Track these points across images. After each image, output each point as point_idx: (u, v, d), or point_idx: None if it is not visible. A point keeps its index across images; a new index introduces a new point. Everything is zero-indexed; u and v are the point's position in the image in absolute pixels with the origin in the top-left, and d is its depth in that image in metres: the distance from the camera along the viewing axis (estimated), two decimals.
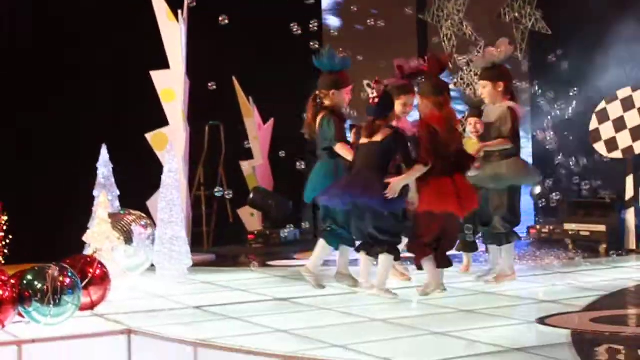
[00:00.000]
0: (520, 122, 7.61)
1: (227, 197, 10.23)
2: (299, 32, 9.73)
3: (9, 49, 10.19)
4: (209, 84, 10.02)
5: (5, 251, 7.42)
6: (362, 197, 6.76)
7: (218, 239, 11.75)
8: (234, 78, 11.77)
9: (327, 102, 7.41)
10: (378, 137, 6.79)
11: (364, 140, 6.87)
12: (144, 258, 8.22)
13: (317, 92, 7.47)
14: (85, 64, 10.52)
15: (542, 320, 5.83)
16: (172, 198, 7.99)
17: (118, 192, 8.68)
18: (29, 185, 9.99)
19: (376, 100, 6.85)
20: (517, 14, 10.53)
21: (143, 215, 8.50)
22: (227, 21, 9.95)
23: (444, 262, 6.95)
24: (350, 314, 6.35)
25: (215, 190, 9.82)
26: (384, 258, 6.86)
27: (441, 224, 6.85)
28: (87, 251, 7.84)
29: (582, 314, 6.09)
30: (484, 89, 7.51)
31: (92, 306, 6.43)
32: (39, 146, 10.34)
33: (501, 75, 7.47)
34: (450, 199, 6.78)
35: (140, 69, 9.87)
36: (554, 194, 9.68)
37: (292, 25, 9.74)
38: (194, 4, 9.77)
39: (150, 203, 9.44)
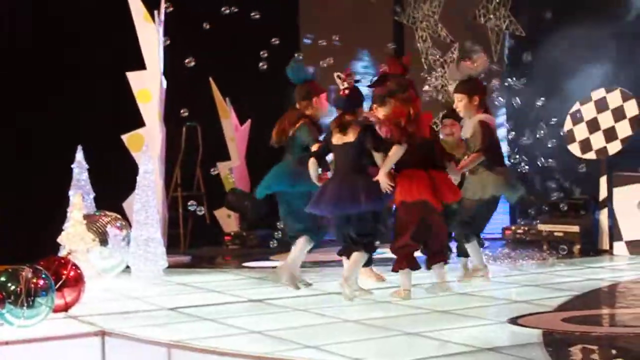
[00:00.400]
0: (494, 132, 7.58)
1: (198, 213, 10.26)
2: (277, 42, 9.74)
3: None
4: (186, 60, 9.91)
5: None
6: (351, 208, 6.78)
7: (195, 240, 11.77)
8: (210, 79, 11.78)
9: (307, 112, 7.53)
10: (350, 137, 6.81)
11: (337, 140, 6.87)
12: (119, 259, 8.23)
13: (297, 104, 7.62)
14: (61, 63, 10.51)
15: (513, 320, 5.87)
16: (147, 199, 8.00)
17: (93, 194, 8.70)
18: (3, 186, 9.98)
19: (346, 92, 6.87)
20: (491, 16, 10.59)
21: (118, 216, 8.51)
22: (208, 26, 9.95)
23: (412, 264, 6.96)
24: (324, 315, 6.37)
25: (189, 204, 9.86)
26: (358, 254, 6.89)
27: (418, 214, 6.82)
28: (62, 253, 7.84)
29: (553, 313, 6.14)
30: (460, 102, 7.48)
31: (66, 308, 6.43)
32: (11, 147, 10.32)
33: (477, 88, 7.48)
34: (423, 188, 6.77)
35: (115, 69, 9.88)
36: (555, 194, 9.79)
37: (272, 40, 9.76)
38: (171, 8, 9.77)
39: (126, 204, 9.44)
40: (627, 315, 6.26)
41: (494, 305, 6.62)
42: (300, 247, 7.47)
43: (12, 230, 9.50)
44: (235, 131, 11.99)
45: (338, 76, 6.98)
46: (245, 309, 6.75)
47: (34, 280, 5.90)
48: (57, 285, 6.23)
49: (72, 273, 6.46)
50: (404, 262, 6.87)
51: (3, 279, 5.89)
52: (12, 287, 5.84)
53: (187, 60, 9.65)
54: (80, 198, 7.62)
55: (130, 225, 8.34)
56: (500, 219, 10.41)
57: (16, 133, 10.25)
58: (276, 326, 5.97)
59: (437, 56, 10.96)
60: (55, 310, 6.20)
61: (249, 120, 12.05)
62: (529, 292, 7.15)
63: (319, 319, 6.24)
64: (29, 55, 10.35)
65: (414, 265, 6.90)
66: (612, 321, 6.34)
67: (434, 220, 6.94)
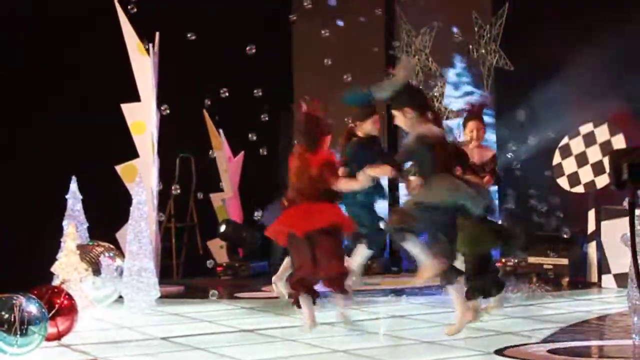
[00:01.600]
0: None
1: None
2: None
3: None
4: (162, 108, 10.06)
5: None
6: None
7: (188, 271, 11.85)
8: (204, 111, 11.90)
9: (358, 133, 7.84)
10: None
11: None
12: (112, 289, 8.30)
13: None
14: (54, 94, 10.62)
15: (500, 352, 5.94)
16: (140, 230, 8.10)
17: (87, 224, 8.79)
18: None
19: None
20: (483, 50, 10.75)
21: (111, 246, 8.59)
22: (194, 37, 10.09)
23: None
24: (314, 345, 6.44)
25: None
26: None
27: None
28: (55, 282, 7.90)
29: (540, 345, 6.22)
30: (398, 120, 6.78)
31: (58, 336, 6.50)
32: (8, 175, 10.39)
33: (407, 100, 6.71)
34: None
35: (110, 100, 9.98)
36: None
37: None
38: (135, 10, 9.85)
39: (119, 235, 9.52)
40: (612, 348, 6.34)
41: (481, 337, 6.68)
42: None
43: (5, 259, 9.55)
44: (228, 162, 12.09)
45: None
46: (237, 339, 6.83)
47: (27, 309, 5.97)
48: (51, 314, 6.30)
49: (65, 302, 6.53)
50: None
51: None
52: (6, 316, 5.92)
53: (162, 108, 9.84)
54: (74, 228, 7.71)
55: (123, 255, 8.42)
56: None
57: (8, 162, 10.32)
58: (266, 356, 6.07)
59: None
60: (48, 339, 6.27)
61: (242, 152, 12.15)
62: (517, 324, 7.22)
63: (309, 349, 6.31)
64: (24, 84, 10.44)
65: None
66: (598, 353, 6.41)
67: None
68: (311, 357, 6.06)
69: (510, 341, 6.38)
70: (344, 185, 6.89)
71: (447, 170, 6.56)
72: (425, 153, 6.49)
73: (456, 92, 12.69)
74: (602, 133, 9.85)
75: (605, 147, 9.77)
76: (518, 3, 10.83)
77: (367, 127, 7.81)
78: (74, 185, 8.69)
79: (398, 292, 9.38)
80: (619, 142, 9.72)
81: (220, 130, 12.02)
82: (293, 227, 6.71)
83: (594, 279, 9.74)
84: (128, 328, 7.34)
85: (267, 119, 10.90)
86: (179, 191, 10.85)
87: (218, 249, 12.08)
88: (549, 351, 5.97)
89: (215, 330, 7.22)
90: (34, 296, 6.16)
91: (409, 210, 6.54)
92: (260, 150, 9.49)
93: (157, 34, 9.93)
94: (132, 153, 9.91)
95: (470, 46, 10.89)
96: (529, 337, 6.52)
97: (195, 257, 12.04)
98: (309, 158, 6.85)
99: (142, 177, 8.86)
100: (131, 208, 8.24)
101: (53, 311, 6.38)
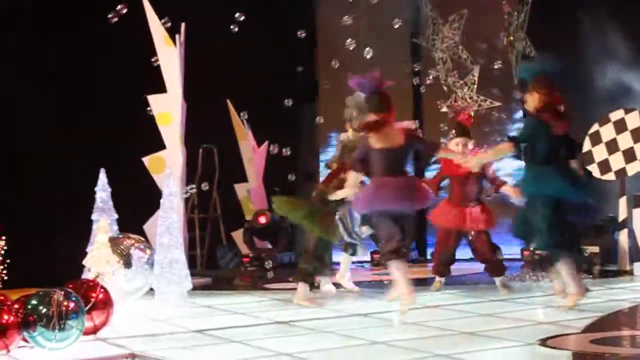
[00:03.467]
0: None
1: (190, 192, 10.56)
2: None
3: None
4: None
5: (3, 275, 7.43)
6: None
7: (212, 262, 11.82)
8: (228, 101, 11.85)
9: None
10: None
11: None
12: (143, 282, 8.25)
13: None
14: (82, 87, 10.57)
15: (543, 342, 5.87)
16: (171, 222, 8.04)
17: (116, 216, 8.74)
18: (24, 208, 10.02)
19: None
20: (512, 38, 10.65)
21: (141, 238, 8.54)
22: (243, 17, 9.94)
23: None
24: (352, 336, 6.38)
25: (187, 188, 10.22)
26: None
27: None
28: (86, 275, 7.86)
29: (581, 335, 6.14)
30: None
31: (95, 330, 6.47)
32: (34, 169, 10.36)
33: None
34: None
35: (135, 92, 9.94)
36: None
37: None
38: (169, 24, 9.81)
39: (147, 226, 9.48)
40: None
41: (520, 327, 6.60)
42: None
43: (35, 253, 9.54)
44: (252, 152, 12.04)
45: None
46: (272, 331, 6.77)
47: (65, 303, 5.93)
48: (87, 308, 6.26)
49: (100, 296, 6.49)
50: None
51: (34, 302, 5.93)
52: (44, 310, 5.88)
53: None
54: (105, 221, 7.65)
55: (152, 248, 8.38)
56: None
57: (15, 156, 10.29)
58: (304, 348, 5.98)
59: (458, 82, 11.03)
60: (85, 333, 6.22)
61: (267, 142, 12.09)
62: (553, 314, 7.15)
63: (347, 341, 6.24)
64: (50, 78, 10.41)
65: None
66: None
67: None
68: (350, 350, 5.99)
69: (550, 331, 6.29)
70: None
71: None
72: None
73: None
74: (633, 119, 9.74)
75: (637, 133, 9.67)
76: None
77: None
78: (103, 178, 8.63)
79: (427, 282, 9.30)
80: None
81: (244, 120, 11.96)
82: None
83: (625, 266, 9.65)
84: (162, 321, 7.30)
85: (290, 104, 10.80)
86: (207, 187, 10.78)
87: (241, 241, 12.03)
88: (591, 341, 5.88)
89: (250, 322, 7.16)
90: (71, 290, 6.11)
91: None
92: (284, 151, 9.46)
93: (183, 24, 9.86)
94: (158, 144, 9.88)
95: (501, 34, 10.78)
96: (568, 327, 6.45)
97: (218, 247, 12.02)
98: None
99: (171, 168, 8.79)
100: (162, 200, 8.17)
101: (89, 305, 6.34)
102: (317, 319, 7.18)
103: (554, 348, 5.71)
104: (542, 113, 7.03)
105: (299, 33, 9.87)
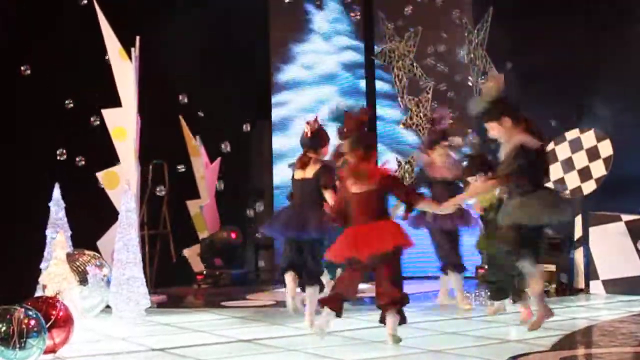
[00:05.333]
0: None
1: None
2: None
3: None
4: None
5: None
6: (300, 233, 7.20)
7: (161, 280, 11.61)
8: (180, 117, 11.70)
9: None
10: (309, 173, 7.29)
11: (298, 176, 7.37)
12: (99, 299, 8.07)
13: None
14: (35, 100, 10.33)
15: None
16: (129, 238, 7.88)
17: (70, 232, 8.53)
18: None
19: (309, 134, 7.33)
20: (472, 55, 10.67)
21: (97, 254, 8.36)
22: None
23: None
24: (317, 354, 6.29)
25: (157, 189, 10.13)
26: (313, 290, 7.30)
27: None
28: (40, 293, 7.67)
29: (552, 353, 6.12)
30: (493, 132, 6.96)
31: (54, 349, 6.26)
32: None
33: (504, 110, 6.91)
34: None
35: (90, 106, 9.76)
36: None
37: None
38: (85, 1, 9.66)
39: (101, 243, 9.29)
40: (626, 355, 6.23)
41: (488, 345, 6.57)
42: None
43: None
44: (205, 169, 11.89)
45: (307, 122, 7.43)
46: (236, 350, 6.63)
47: (26, 321, 5.74)
48: (47, 326, 6.06)
49: (61, 313, 6.29)
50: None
51: None
52: (3, 328, 5.69)
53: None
54: (63, 236, 7.46)
55: (108, 264, 8.21)
56: (475, 259, 10.36)
57: None
58: None
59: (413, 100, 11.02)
60: (44, 352, 6.03)
61: (219, 159, 11.96)
62: (517, 331, 7.13)
63: (313, 359, 6.16)
64: (1, 90, 10.17)
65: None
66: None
67: None
68: None
69: (516, 349, 6.27)
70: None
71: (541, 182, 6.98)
72: (526, 163, 6.70)
73: (327, 46, 12.64)
74: (588, 139, 9.81)
75: (592, 152, 9.75)
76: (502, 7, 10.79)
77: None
78: (57, 193, 8.43)
79: None
80: (605, 147, 9.70)
81: (197, 137, 11.81)
82: (357, 251, 6.51)
83: (581, 285, 9.69)
84: (121, 339, 7.12)
85: (248, 129, 10.83)
86: (163, 193, 10.68)
87: (194, 257, 11.87)
88: (562, 359, 5.87)
89: (213, 340, 7.01)
90: (31, 307, 5.92)
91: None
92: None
93: (138, 38, 9.69)
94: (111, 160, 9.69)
95: (462, 51, 10.78)
96: (535, 344, 6.42)
97: (167, 265, 11.82)
98: (368, 170, 6.62)
99: (126, 184, 8.62)
100: (120, 216, 8.01)
101: (50, 323, 6.14)
102: (279, 337, 7.07)
103: None
104: None
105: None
